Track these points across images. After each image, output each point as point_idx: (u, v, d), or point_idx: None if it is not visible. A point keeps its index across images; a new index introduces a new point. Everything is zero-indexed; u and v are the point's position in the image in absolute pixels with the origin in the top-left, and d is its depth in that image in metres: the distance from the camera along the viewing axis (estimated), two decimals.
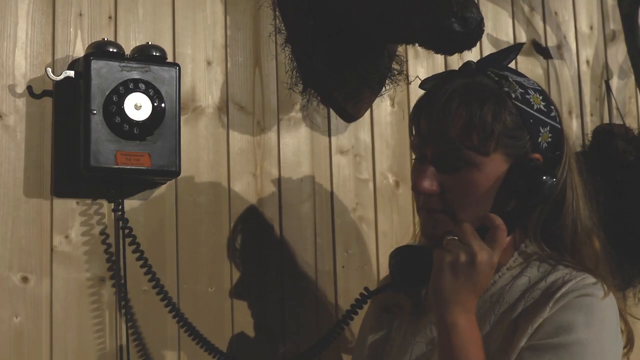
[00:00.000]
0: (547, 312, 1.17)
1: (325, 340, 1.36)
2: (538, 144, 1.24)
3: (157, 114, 1.49)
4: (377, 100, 1.73)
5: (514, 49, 1.32)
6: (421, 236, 1.34)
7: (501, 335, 1.19)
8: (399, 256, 1.27)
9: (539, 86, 1.30)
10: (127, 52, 1.53)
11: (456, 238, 1.17)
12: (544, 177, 1.22)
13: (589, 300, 1.17)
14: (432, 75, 1.35)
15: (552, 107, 1.28)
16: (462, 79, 1.26)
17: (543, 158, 1.25)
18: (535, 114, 1.25)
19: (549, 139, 1.26)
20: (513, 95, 1.24)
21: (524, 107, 1.24)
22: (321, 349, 1.41)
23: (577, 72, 2.25)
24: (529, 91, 1.26)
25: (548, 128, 1.26)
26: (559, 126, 1.28)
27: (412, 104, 1.32)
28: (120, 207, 1.50)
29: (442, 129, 1.21)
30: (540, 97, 1.27)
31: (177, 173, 1.53)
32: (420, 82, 1.35)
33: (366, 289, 1.35)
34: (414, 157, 1.32)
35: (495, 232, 1.17)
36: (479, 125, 1.20)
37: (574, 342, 1.14)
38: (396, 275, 1.27)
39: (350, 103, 1.71)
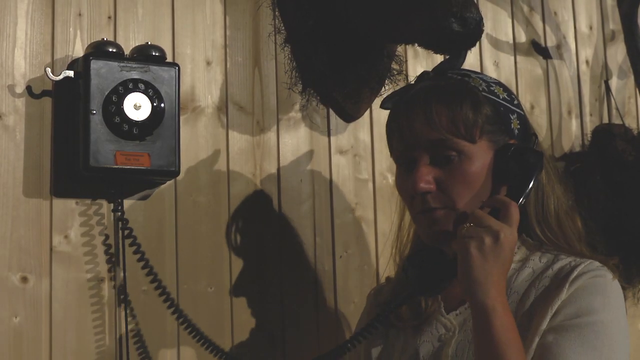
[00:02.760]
0: (564, 294, 1.20)
1: (339, 351, 1.34)
2: (512, 130, 1.30)
3: (156, 114, 1.49)
4: (377, 100, 1.73)
5: (461, 53, 1.37)
6: (425, 241, 1.33)
7: (517, 324, 1.19)
8: (414, 263, 1.27)
9: (497, 80, 1.35)
10: (127, 52, 1.53)
11: (472, 224, 1.19)
12: (533, 153, 1.27)
13: (602, 281, 1.22)
14: (392, 93, 1.39)
15: (514, 97, 1.33)
16: (426, 83, 1.32)
17: (519, 143, 1.30)
18: (503, 102, 1.30)
19: (519, 126, 1.31)
20: (480, 88, 1.29)
21: (492, 97, 1.29)
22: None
23: (576, 72, 2.25)
24: (491, 84, 1.31)
25: (515, 115, 1.31)
26: (523, 113, 1.33)
27: (387, 121, 1.35)
28: (119, 207, 1.50)
29: (430, 125, 1.25)
30: (502, 88, 1.32)
31: (176, 173, 1.53)
32: (381, 102, 1.39)
33: (388, 304, 1.33)
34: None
35: (508, 209, 1.20)
36: (462, 117, 1.25)
37: (596, 321, 1.18)
38: (418, 283, 1.26)
39: (349, 103, 1.71)
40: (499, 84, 1.33)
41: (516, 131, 1.30)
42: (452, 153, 1.25)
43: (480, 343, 1.16)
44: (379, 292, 1.49)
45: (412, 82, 1.37)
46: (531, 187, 1.26)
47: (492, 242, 1.17)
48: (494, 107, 1.28)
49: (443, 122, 1.24)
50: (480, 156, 1.26)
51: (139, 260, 1.48)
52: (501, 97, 1.30)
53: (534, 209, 1.30)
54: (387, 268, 1.55)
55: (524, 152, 1.27)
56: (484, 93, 1.28)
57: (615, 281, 1.24)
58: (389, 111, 1.35)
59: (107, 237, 1.52)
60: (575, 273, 1.22)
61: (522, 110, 1.33)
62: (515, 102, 1.33)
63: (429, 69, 1.92)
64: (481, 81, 1.30)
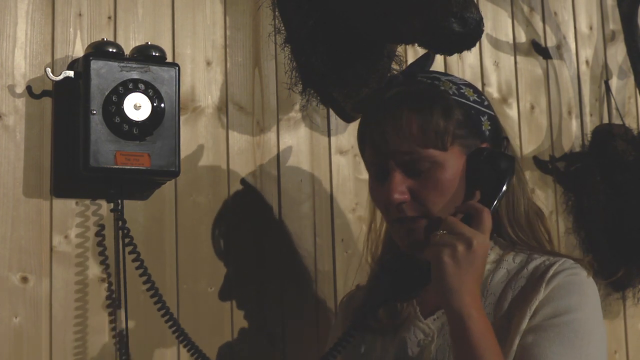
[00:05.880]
0: (542, 294, 1.21)
1: None
2: (483, 132, 1.29)
3: (156, 114, 1.49)
4: None
5: (429, 55, 1.37)
6: (402, 248, 1.33)
7: (495, 326, 1.20)
8: (388, 268, 1.28)
9: (466, 81, 1.35)
10: (127, 52, 1.53)
11: (445, 232, 1.19)
12: (505, 157, 1.28)
13: (578, 279, 1.23)
14: (363, 97, 1.38)
15: (484, 97, 1.33)
16: (397, 88, 1.30)
17: (490, 146, 1.30)
18: (473, 104, 1.29)
19: (489, 127, 1.30)
20: (451, 92, 1.28)
21: (462, 100, 1.28)
22: None
23: (576, 72, 2.25)
24: (461, 86, 1.30)
25: (486, 117, 1.30)
26: (494, 114, 1.33)
27: (358, 126, 1.35)
28: (119, 207, 1.50)
29: (400, 135, 1.24)
30: (472, 90, 1.31)
31: (176, 173, 1.53)
32: (353, 106, 1.39)
33: (361, 310, 1.33)
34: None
35: (481, 216, 1.21)
36: (433, 125, 1.24)
37: (574, 320, 1.18)
38: (391, 289, 1.26)
39: (349, 103, 1.71)
40: (468, 85, 1.32)
41: (487, 133, 1.29)
42: (424, 163, 1.24)
43: (458, 350, 1.16)
44: (351, 300, 1.49)
45: (383, 86, 1.35)
46: (503, 192, 1.26)
47: (465, 250, 1.16)
48: (465, 110, 1.27)
49: (414, 131, 1.23)
50: (452, 163, 1.25)
51: (134, 260, 1.47)
52: (471, 100, 1.29)
53: (505, 210, 1.30)
54: (358, 270, 1.55)
55: (496, 157, 1.27)
56: (454, 97, 1.27)
57: (590, 278, 1.24)
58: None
59: (107, 237, 1.52)
60: (550, 272, 1.22)
61: (492, 111, 1.33)
62: (486, 102, 1.32)
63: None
64: (451, 84, 1.29)
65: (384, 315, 1.34)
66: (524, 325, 1.19)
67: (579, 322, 1.18)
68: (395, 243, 1.33)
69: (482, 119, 1.29)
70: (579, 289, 1.22)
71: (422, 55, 1.37)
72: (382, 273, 1.28)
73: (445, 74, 1.34)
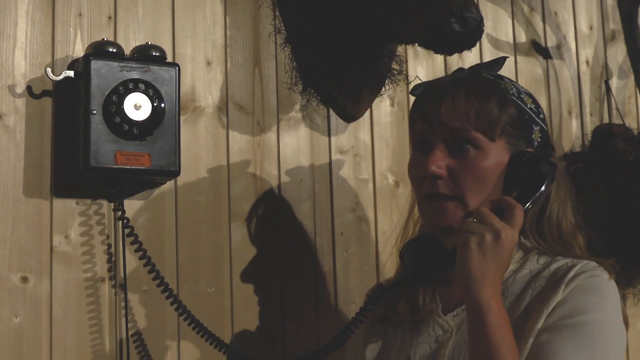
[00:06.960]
0: (560, 295, 1.20)
1: (337, 341, 1.35)
2: (532, 140, 1.31)
3: (156, 114, 1.49)
4: (377, 100, 1.73)
5: (500, 61, 1.39)
6: (426, 227, 1.35)
7: (513, 325, 1.19)
8: (411, 249, 1.29)
9: (528, 91, 1.37)
10: (127, 52, 1.53)
11: (475, 220, 1.19)
12: (547, 162, 1.28)
13: (598, 281, 1.22)
14: (425, 82, 1.41)
15: (541, 110, 1.35)
16: (460, 74, 1.34)
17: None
18: (529, 111, 1.31)
19: (539, 139, 1.32)
20: (510, 92, 1.30)
21: (520, 103, 1.30)
22: (331, 350, 1.40)
23: (576, 72, 2.25)
24: (522, 92, 1.33)
25: (538, 128, 1.32)
26: (546, 129, 1.35)
27: (412, 104, 1.36)
28: (120, 207, 1.50)
29: (455, 112, 1.26)
30: (531, 100, 1.34)
31: (177, 173, 1.53)
32: (412, 88, 1.41)
33: (380, 285, 1.35)
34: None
35: (513, 211, 1.21)
36: (488, 112, 1.26)
37: (590, 321, 1.18)
38: (412, 268, 1.28)
39: (349, 103, 1.71)
40: (529, 94, 1.34)
41: (536, 143, 1.31)
42: (469, 145, 1.26)
43: (473, 340, 1.16)
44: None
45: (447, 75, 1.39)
46: (539, 195, 1.27)
47: (493, 240, 1.17)
48: (520, 112, 1.29)
49: (469, 112, 1.26)
50: (495, 155, 1.27)
51: (140, 258, 1.48)
52: (528, 106, 1.31)
53: (531, 216, 1.30)
54: (388, 260, 1.55)
55: (538, 161, 1.28)
56: (512, 97, 1.30)
57: (611, 281, 1.24)
58: (390, 109, 1.37)
59: (107, 237, 1.52)
60: (571, 273, 1.22)
61: (545, 125, 1.35)
62: (542, 116, 1.34)
63: (429, 69, 1.93)
64: (512, 86, 1.32)
65: (404, 308, 1.35)
66: (539, 324, 1.19)
67: (595, 323, 1.17)
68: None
69: (535, 128, 1.31)
70: (598, 290, 1.21)
71: (493, 60, 1.40)
72: (405, 252, 1.29)
73: (510, 79, 1.37)
